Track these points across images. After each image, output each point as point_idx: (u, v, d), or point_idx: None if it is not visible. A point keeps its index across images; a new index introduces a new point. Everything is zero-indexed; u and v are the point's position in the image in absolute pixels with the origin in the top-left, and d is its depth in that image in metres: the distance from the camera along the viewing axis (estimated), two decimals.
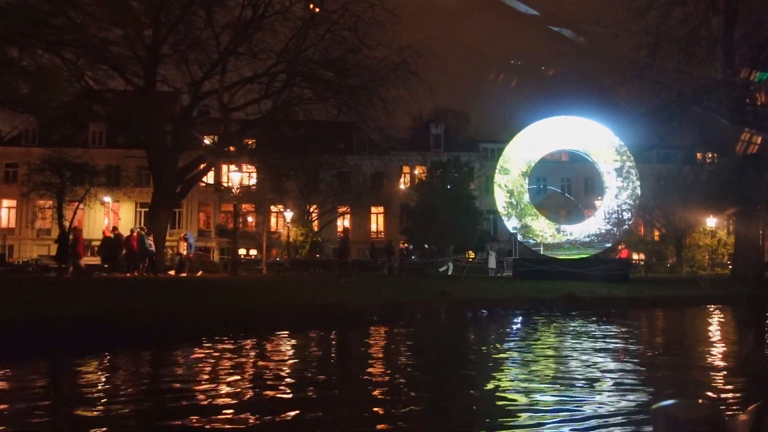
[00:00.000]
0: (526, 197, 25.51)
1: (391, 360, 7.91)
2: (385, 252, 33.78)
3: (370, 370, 7.16)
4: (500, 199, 25.59)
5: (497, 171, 25.84)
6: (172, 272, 22.75)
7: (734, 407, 5.14)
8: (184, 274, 21.39)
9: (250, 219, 51.33)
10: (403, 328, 11.53)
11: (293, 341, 9.47)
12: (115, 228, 22.74)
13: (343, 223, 52.37)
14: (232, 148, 35.38)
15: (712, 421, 1.51)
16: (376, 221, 53.17)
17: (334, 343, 9.71)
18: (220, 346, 8.40)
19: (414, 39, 35.89)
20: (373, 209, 52.37)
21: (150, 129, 29.97)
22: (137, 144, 35.23)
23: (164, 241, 29.95)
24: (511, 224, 25.56)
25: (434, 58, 28.92)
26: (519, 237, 25.56)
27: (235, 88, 30.88)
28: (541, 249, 25.08)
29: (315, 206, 47.03)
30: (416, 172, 51.35)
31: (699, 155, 46.45)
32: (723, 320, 14.99)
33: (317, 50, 28.93)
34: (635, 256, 51.72)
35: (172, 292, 12.88)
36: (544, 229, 25.28)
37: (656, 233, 51.17)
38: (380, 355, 8.36)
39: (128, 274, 20.64)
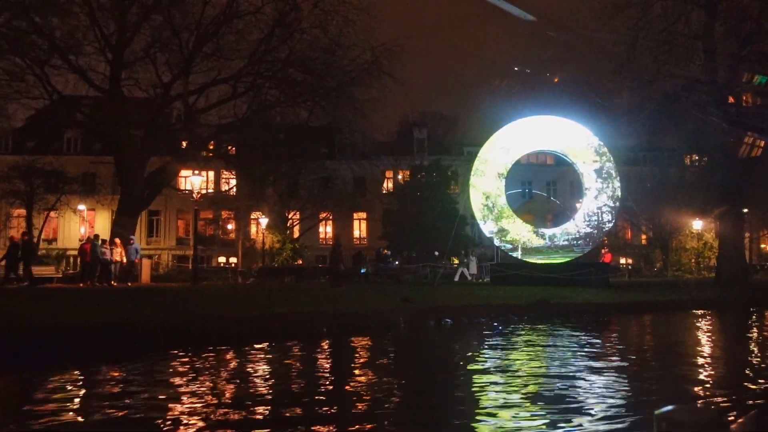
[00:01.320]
0: (503, 200, 24.56)
1: (308, 382, 6.93)
2: (376, 259, 32.96)
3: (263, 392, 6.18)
4: (476, 202, 24.66)
5: (472, 173, 24.92)
6: (132, 282, 21.59)
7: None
8: (114, 283, 20.01)
9: (230, 226, 50.26)
10: (350, 340, 10.54)
11: (208, 358, 8.45)
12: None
13: (326, 229, 51.38)
14: (210, 153, 34.34)
15: (715, 424, 1.54)
16: (359, 227, 52.16)
17: (253, 360, 8.67)
18: (110, 372, 7.40)
19: (392, 38, 34.87)
20: (356, 215, 51.37)
21: (117, 133, 28.97)
22: (109, 150, 34.23)
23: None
24: (487, 228, 24.63)
25: (409, 58, 27.88)
26: (496, 241, 24.64)
27: (206, 91, 29.91)
28: (519, 253, 24.17)
29: (294, 212, 45.92)
30: (400, 176, 50.33)
31: (687, 157, 45.82)
32: (701, 326, 14.10)
33: (287, 49, 27.95)
34: (622, 261, 50.99)
35: (88, 304, 11.80)
36: (521, 233, 24.34)
37: (643, 237, 50.44)
38: (296, 376, 7.36)
39: (81, 284, 19.58)
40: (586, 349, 9.51)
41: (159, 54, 29.46)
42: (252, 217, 46.62)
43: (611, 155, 24.92)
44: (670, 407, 1.57)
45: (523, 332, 11.97)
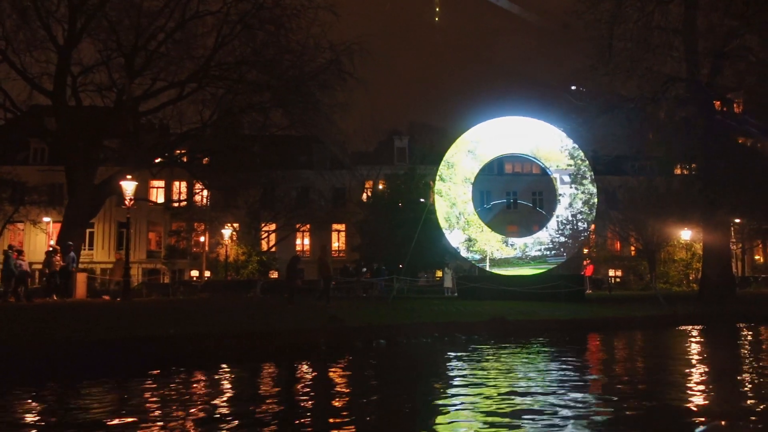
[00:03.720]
0: (470, 207, 22.73)
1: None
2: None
3: None
4: (441, 211, 22.86)
5: (437, 179, 23.11)
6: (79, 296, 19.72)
7: None
8: (55, 297, 18.25)
9: (203, 239, 48.33)
10: (240, 370, 8.69)
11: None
12: None
13: (303, 240, 49.48)
14: (157, 159, 32.46)
15: None
16: (338, 239, 50.23)
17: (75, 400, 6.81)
18: None
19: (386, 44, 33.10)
20: (335, 226, 49.48)
21: (63, 141, 27.31)
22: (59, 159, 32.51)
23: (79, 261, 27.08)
24: (453, 238, 22.80)
25: (372, 58, 26.16)
26: (462, 252, 22.80)
27: (157, 94, 28.20)
28: (487, 265, 22.33)
29: (267, 224, 43.99)
30: (381, 186, 48.45)
31: (679, 166, 44.06)
32: (675, 346, 12.24)
33: (240, 48, 26.23)
34: (611, 273, 49.09)
35: None
36: (490, 243, 22.50)
37: (632, 248, 48.60)
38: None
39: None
40: (526, 380, 7.68)
41: (111, 58, 27.96)
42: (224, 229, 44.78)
43: (588, 159, 23.23)
44: (706, 426, 1.44)
45: (463, 355, 10.16)
